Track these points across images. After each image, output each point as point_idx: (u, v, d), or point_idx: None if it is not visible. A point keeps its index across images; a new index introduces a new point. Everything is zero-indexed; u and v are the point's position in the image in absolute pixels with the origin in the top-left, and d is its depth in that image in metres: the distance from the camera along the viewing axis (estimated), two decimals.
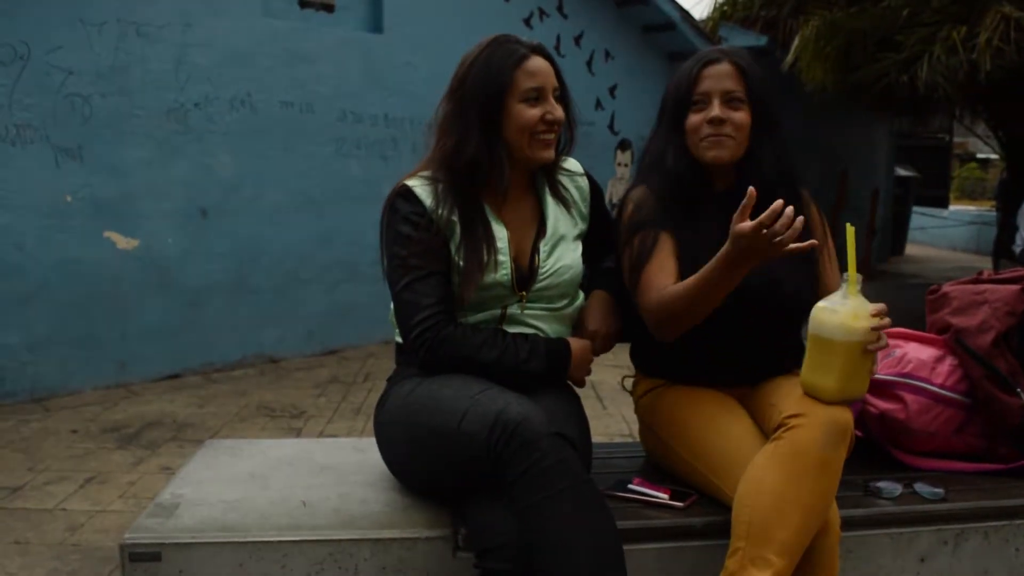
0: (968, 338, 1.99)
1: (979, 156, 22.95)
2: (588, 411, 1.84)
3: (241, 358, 5.21)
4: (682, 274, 1.73)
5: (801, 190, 1.83)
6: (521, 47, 1.71)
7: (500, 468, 1.47)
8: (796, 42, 7.22)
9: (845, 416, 1.56)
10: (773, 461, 1.54)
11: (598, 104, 7.23)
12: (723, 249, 1.52)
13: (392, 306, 1.77)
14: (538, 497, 1.43)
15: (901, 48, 6.59)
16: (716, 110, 1.73)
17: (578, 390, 1.85)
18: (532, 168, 1.80)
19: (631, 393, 1.99)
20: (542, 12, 6.67)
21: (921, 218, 14.47)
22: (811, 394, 1.58)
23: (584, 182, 1.90)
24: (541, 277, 1.76)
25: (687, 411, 1.79)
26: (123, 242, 4.68)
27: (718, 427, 1.72)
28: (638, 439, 2.02)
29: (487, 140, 1.69)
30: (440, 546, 1.62)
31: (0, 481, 3.28)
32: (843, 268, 1.58)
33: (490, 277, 1.71)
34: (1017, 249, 7.36)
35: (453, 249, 1.71)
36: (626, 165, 7.59)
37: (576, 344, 1.78)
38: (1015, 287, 2.02)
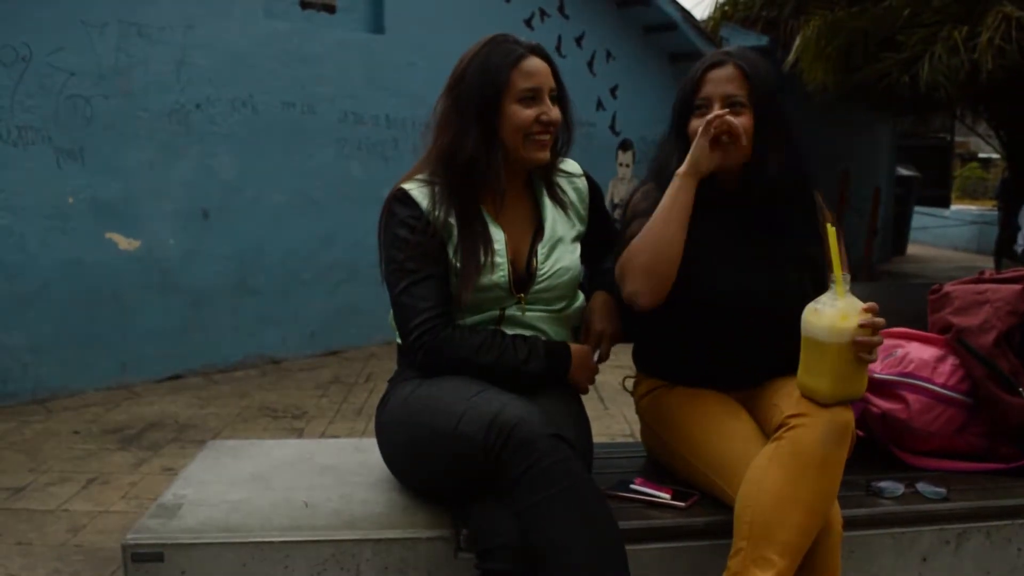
0: (970, 338, 1.99)
1: (980, 156, 22.93)
2: (589, 411, 1.84)
3: (243, 359, 5.21)
4: (686, 277, 1.73)
5: (814, 195, 1.81)
6: (519, 47, 1.71)
7: (499, 469, 1.47)
8: (797, 42, 7.22)
9: (846, 416, 1.56)
10: (774, 461, 1.54)
11: (599, 104, 7.23)
12: (675, 181, 1.65)
13: (392, 309, 1.77)
14: (538, 498, 1.43)
15: (902, 48, 6.59)
16: (716, 112, 1.70)
17: None
18: (528, 169, 1.79)
19: (632, 393, 1.99)
20: (543, 13, 6.68)
21: (923, 218, 14.46)
22: (807, 396, 1.57)
23: (583, 183, 1.90)
24: (539, 279, 1.76)
25: (688, 411, 1.78)
26: (125, 243, 4.68)
27: (720, 427, 1.72)
28: (639, 439, 2.01)
29: (483, 140, 1.69)
30: (441, 546, 1.62)
31: (2, 482, 3.28)
32: (829, 269, 1.57)
33: (488, 279, 1.71)
34: (1019, 248, 7.36)
35: (451, 251, 1.71)
36: (627, 165, 7.59)
37: (576, 348, 1.77)
38: (1017, 286, 2.02)
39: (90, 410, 4.27)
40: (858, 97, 7.74)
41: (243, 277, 5.21)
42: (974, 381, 1.97)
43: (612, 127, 7.40)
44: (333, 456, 2.03)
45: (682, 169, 1.67)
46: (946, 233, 14.81)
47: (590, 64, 7.12)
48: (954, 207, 16.77)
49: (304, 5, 5.43)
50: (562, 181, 1.87)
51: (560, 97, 1.76)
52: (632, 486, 1.77)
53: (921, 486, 1.83)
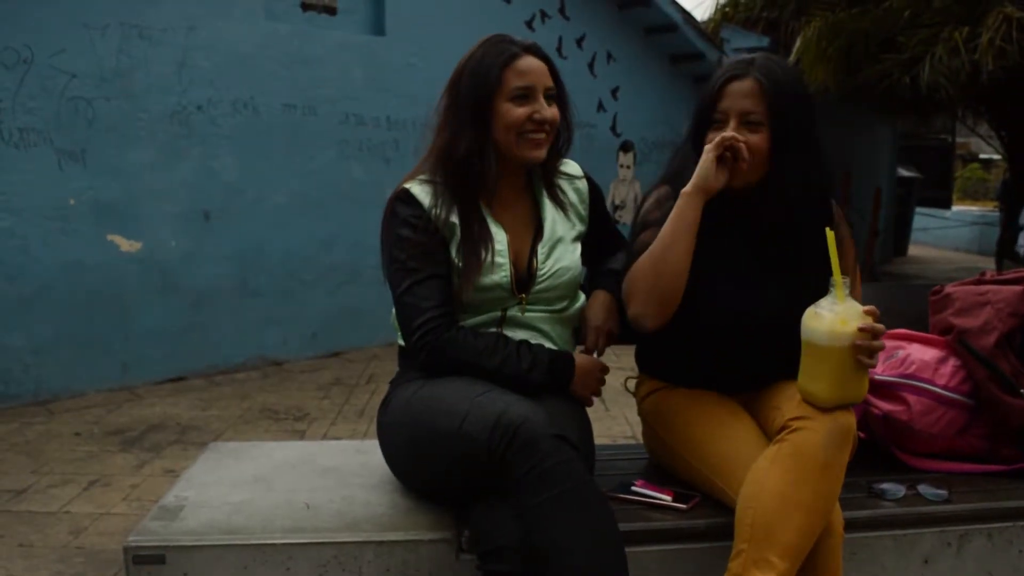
0: (971, 339, 1.99)
1: (982, 157, 22.92)
2: (591, 412, 1.84)
3: (244, 360, 5.22)
4: (694, 291, 1.72)
5: (833, 210, 1.76)
6: (513, 46, 1.71)
7: (502, 470, 1.47)
8: (798, 43, 7.22)
9: (848, 418, 1.56)
10: (776, 463, 1.53)
11: (600, 106, 7.23)
12: (686, 194, 1.65)
13: (394, 310, 1.78)
14: (540, 499, 1.44)
15: (903, 49, 6.59)
16: (729, 132, 1.67)
17: None
18: (524, 168, 1.79)
19: (634, 394, 1.99)
20: (544, 14, 6.68)
21: (924, 219, 14.46)
22: (807, 400, 1.57)
23: (583, 184, 1.90)
24: (540, 279, 1.76)
25: (690, 413, 1.78)
26: (126, 245, 4.69)
27: (721, 429, 1.72)
28: (641, 441, 2.02)
29: (477, 139, 1.70)
30: (443, 548, 1.62)
31: (4, 484, 3.29)
32: (829, 273, 1.56)
33: (489, 279, 1.71)
34: (1020, 250, 7.35)
35: (453, 251, 1.71)
36: (628, 167, 7.59)
37: (581, 359, 1.77)
38: (1018, 288, 2.02)
39: (92, 412, 4.28)
40: (859, 98, 7.74)
41: (244, 278, 5.21)
42: (975, 383, 1.97)
43: (613, 128, 7.40)
44: (335, 458, 2.03)
45: (688, 187, 1.66)
46: (947, 234, 14.81)
47: (591, 65, 7.12)
48: (955, 208, 16.78)
49: (305, 7, 5.43)
50: (562, 182, 1.87)
51: (559, 97, 1.76)
52: (633, 488, 1.77)
53: (922, 488, 1.83)
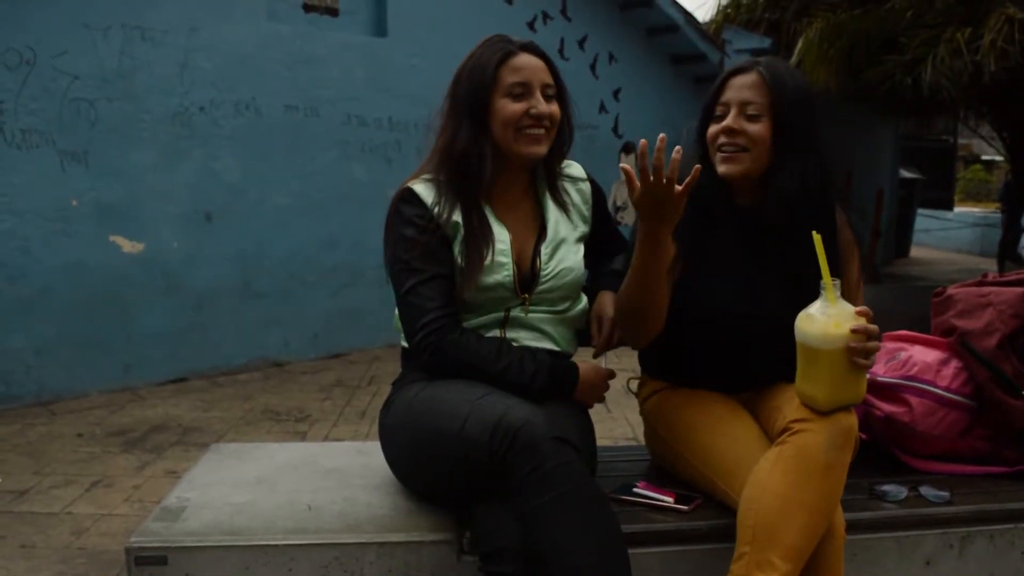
0: (973, 340, 1.98)
1: (983, 158, 22.91)
2: (592, 414, 1.84)
3: (246, 362, 5.22)
4: (692, 291, 1.73)
5: (836, 210, 1.77)
6: (509, 45, 1.73)
7: (503, 472, 1.47)
8: (800, 44, 7.23)
9: (850, 420, 1.56)
10: (778, 465, 1.53)
11: (602, 107, 7.24)
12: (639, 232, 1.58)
13: (397, 310, 1.78)
14: (541, 501, 1.43)
15: (905, 50, 6.59)
16: (730, 120, 1.70)
17: None
18: (526, 166, 1.79)
19: (636, 395, 1.99)
20: (546, 15, 6.68)
21: (925, 220, 14.46)
22: (805, 403, 1.57)
23: (586, 185, 1.90)
24: (543, 279, 1.77)
25: (692, 414, 1.78)
26: (128, 246, 4.69)
27: (723, 430, 1.72)
28: (643, 442, 2.01)
29: (474, 136, 1.71)
30: (445, 550, 1.62)
31: (6, 485, 3.29)
32: (832, 270, 1.56)
33: (492, 279, 1.71)
34: (1022, 251, 7.34)
35: (456, 250, 1.71)
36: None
37: (586, 369, 1.76)
38: (1020, 289, 2.02)
39: (94, 413, 4.28)
40: (861, 99, 7.74)
41: (246, 280, 5.21)
42: (977, 384, 1.97)
43: (615, 130, 7.40)
44: (337, 459, 2.03)
45: (641, 234, 1.57)
46: (949, 235, 14.80)
47: (593, 67, 7.12)
48: (957, 209, 16.77)
49: (307, 8, 5.44)
50: (565, 183, 1.87)
51: (559, 95, 1.76)
52: (635, 489, 1.77)
53: (924, 489, 1.83)
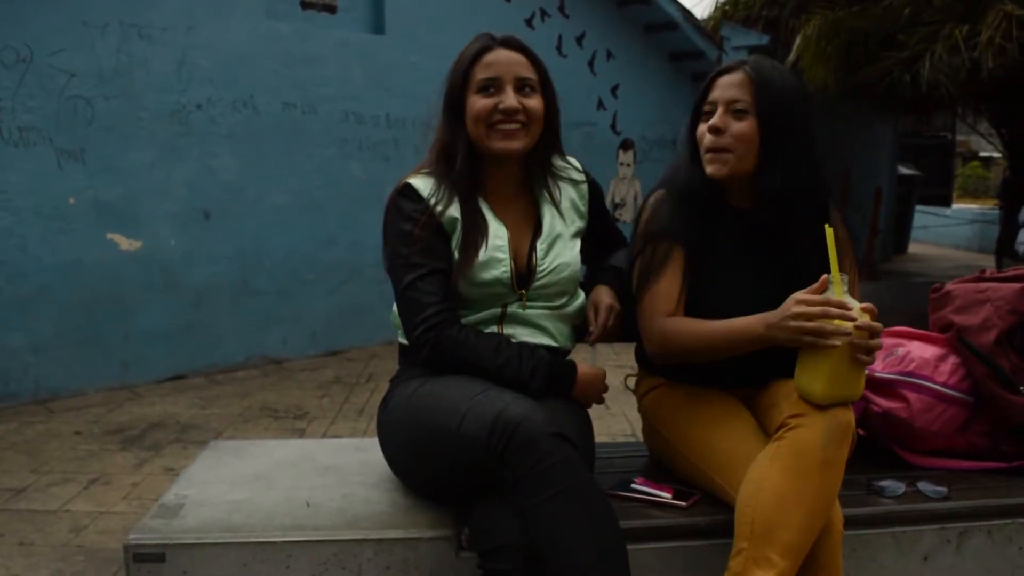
0: (971, 336, 1.99)
1: (982, 154, 22.92)
2: (591, 411, 1.84)
3: (244, 359, 5.22)
4: (689, 293, 1.73)
5: (830, 210, 1.75)
6: (489, 41, 1.74)
7: (501, 469, 1.47)
8: (798, 41, 7.22)
9: (847, 415, 1.56)
10: (776, 461, 1.53)
11: (600, 104, 7.23)
12: (754, 327, 1.58)
13: (395, 307, 1.78)
14: (540, 497, 1.43)
15: (903, 47, 6.59)
16: (716, 118, 1.70)
17: None
18: (507, 161, 1.77)
19: (634, 392, 1.99)
20: (543, 12, 6.68)
21: (924, 217, 14.45)
22: (804, 398, 1.57)
23: (583, 181, 1.90)
24: (540, 275, 1.77)
25: (690, 410, 1.79)
26: (126, 243, 4.69)
27: (721, 426, 1.72)
28: (641, 439, 2.02)
29: (452, 133, 1.74)
30: (443, 546, 1.63)
31: (4, 483, 3.29)
32: (826, 270, 1.56)
33: (490, 274, 1.71)
34: (1020, 247, 7.35)
35: (454, 244, 1.72)
36: (628, 165, 7.59)
37: (584, 369, 1.76)
38: (1017, 285, 2.02)
39: (92, 410, 4.28)
40: (859, 96, 7.74)
41: (244, 277, 5.21)
42: (975, 380, 1.97)
43: (613, 127, 7.40)
44: (335, 456, 2.03)
45: (763, 329, 1.57)
46: (947, 232, 14.80)
47: (591, 64, 7.12)
48: (955, 206, 16.76)
49: (305, 5, 5.43)
50: (562, 179, 1.87)
51: (544, 91, 1.75)
52: (633, 485, 1.77)
53: (922, 485, 1.83)
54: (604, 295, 1.84)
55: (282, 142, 5.27)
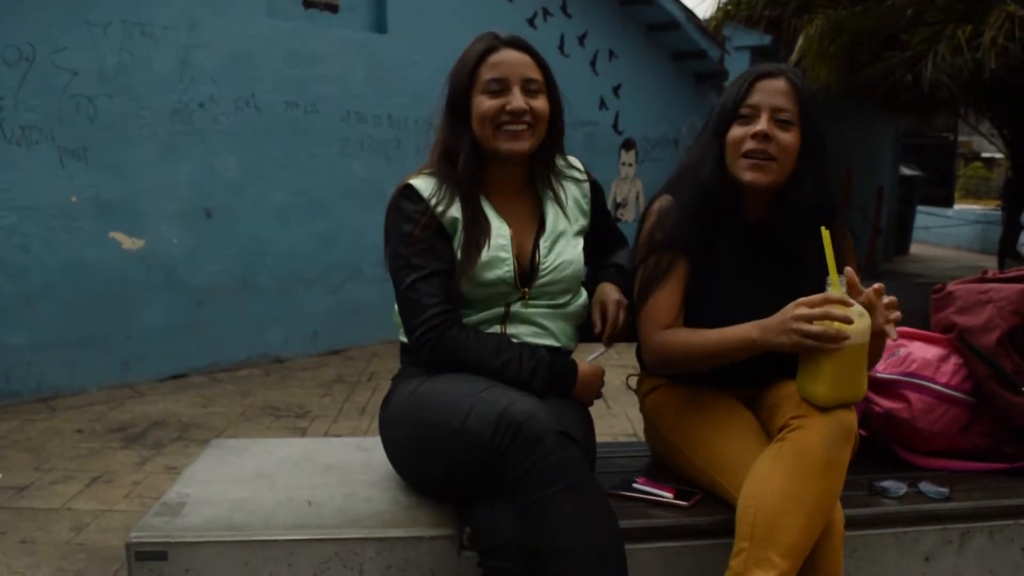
0: (973, 337, 1.98)
1: (984, 155, 22.90)
2: (592, 410, 1.84)
3: (246, 358, 5.22)
4: (693, 303, 1.73)
5: (836, 219, 1.74)
6: (494, 41, 1.73)
7: (503, 466, 1.47)
8: (800, 41, 7.23)
9: (849, 417, 1.56)
10: (777, 462, 1.53)
11: (602, 104, 7.23)
12: (747, 333, 1.57)
13: (396, 306, 1.78)
14: (541, 495, 1.44)
15: (906, 47, 6.59)
16: (763, 124, 1.64)
17: None
18: (514, 161, 1.77)
19: (636, 392, 1.99)
20: (546, 12, 6.68)
21: (926, 217, 14.45)
22: (806, 400, 1.57)
23: (584, 180, 1.90)
24: (543, 273, 1.77)
25: (692, 410, 1.79)
26: (128, 242, 4.69)
27: (723, 426, 1.72)
28: (643, 439, 2.02)
29: (457, 133, 1.73)
30: (445, 545, 1.63)
31: (6, 481, 3.29)
32: (825, 272, 1.56)
33: (493, 274, 1.71)
34: (1022, 248, 7.34)
35: (456, 244, 1.71)
36: (630, 165, 7.59)
37: (585, 368, 1.76)
38: (1020, 286, 2.02)
39: (94, 409, 4.28)
40: (861, 96, 7.74)
41: (246, 276, 5.21)
42: (977, 381, 1.97)
43: (615, 126, 7.40)
44: (336, 455, 2.03)
45: (757, 334, 1.55)
46: (949, 232, 14.79)
47: (593, 63, 7.12)
48: (957, 206, 16.74)
49: (307, 4, 5.43)
50: (564, 177, 1.87)
51: (549, 91, 1.75)
52: (635, 485, 1.77)
53: (924, 486, 1.83)
54: (611, 292, 1.84)
55: (284, 141, 5.28)
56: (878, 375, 1.99)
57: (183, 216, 4.90)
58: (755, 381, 1.81)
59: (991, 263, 9.67)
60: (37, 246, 4.35)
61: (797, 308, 1.51)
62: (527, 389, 1.63)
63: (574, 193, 1.87)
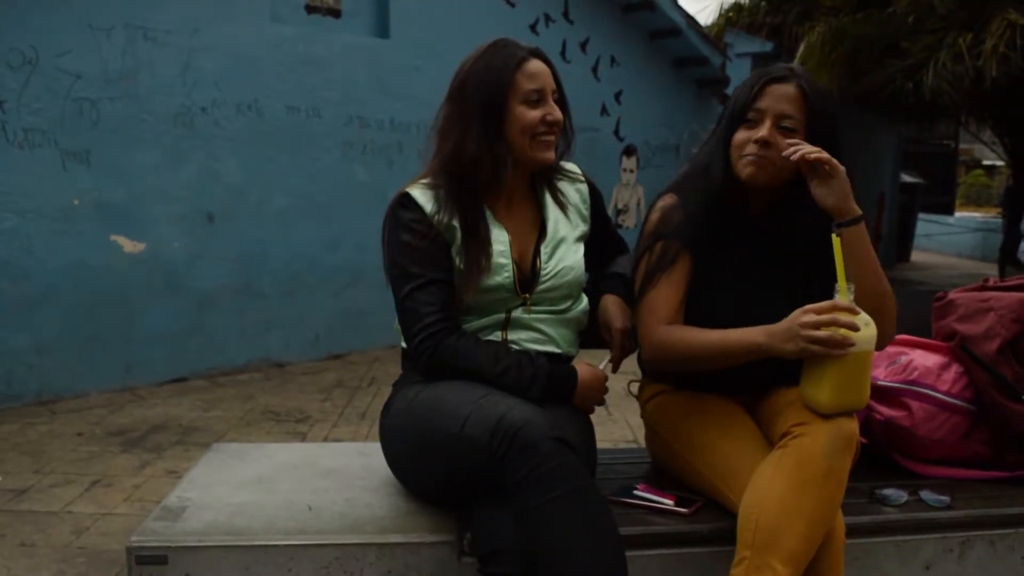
0: (974, 345, 1.98)
1: (985, 163, 22.93)
2: (593, 417, 1.84)
3: (247, 362, 5.22)
4: (694, 300, 1.73)
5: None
6: (520, 50, 1.72)
7: (502, 472, 1.47)
8: (802, 48, 7.24)
9: (851, 425, 1.56)
10: (779, 470, 1.53)
11: (603, 110, 7.24)
12: (753, 338, 1.56)
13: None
14: (539, 501, 1.44)
15: (907, 54, 6.61)
16: (764, 131, 1.64)
17: None
18: (533, 170, 1.80)
19: (637, 398, 1.99)
20: (548, 18, 6.69)
21: (927, 225, 14.46)
22: (808, 406, 1.57)
23: (584, 185, 1.91)
24: (543, 279, 1.77)
25: (693, 416, 1.78)
26: (130, 246, 4.70)
27: (724, 433, 1.72)
28: (643, 445, 2.02)
29: (488, 142, 1.70)
30: (444, 551, 1.63)
31: (6, 484, 3.29)
32: (834, 279, 1.55)
33: (493, 281, 1.71)
34: (1023, 256, 7.34)
35: (454, 254, 1.72)
36: (631, 171, 7.59)
37: (584, 373, 1.76)
38: (1021, 294, 2.02)
39: (94, 412, 4.28)
40: (862, 103, 7.75)
41: (248, 280, 5.22)
42: (978, 389, 1.97)
43: (616, 132, 7.41)
44: (337, 460, 2.03)
45: (764, 339, 1.55)
46: (950, 240, 14.80)
47: (594, 69, 7.13)
48: (958, 214, 16.77)
49: (310, 9, 5.45)
50: (564, 182, 1.88)
51: (561, 99, 1.77)
52: (635, 492, 1.77)
53: (925, 494, 1.83)
54: (615, 317, 1.83)
55: (286, 145, 5.29)
56: (879, 383, 1.99)
57: (185, 220, 4.90)
58: (756, 387, 1.81)
59: (992, 271, 9.67)
60: (39, 249, 4.35)
61: (804, 315, 1.51)
62: (525, 397, 1.63)
63: (575, 199, 1.88)
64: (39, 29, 4.27)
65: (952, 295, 2.13)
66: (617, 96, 7.33)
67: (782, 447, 1.56)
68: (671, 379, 1.87)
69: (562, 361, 1.81)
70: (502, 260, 1.73)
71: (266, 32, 5.14)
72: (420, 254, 1.69)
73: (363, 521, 1.69)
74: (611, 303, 1.86)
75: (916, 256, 14.00)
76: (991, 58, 5.97)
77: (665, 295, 1.71)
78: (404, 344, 1.78)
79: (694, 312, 1.73)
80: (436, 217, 1.70)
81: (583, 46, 6.98)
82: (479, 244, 1.71)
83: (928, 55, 6.43)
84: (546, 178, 1.85)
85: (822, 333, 1.48)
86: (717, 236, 1.73)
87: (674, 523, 1.68)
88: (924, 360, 2.02)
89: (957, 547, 1.78)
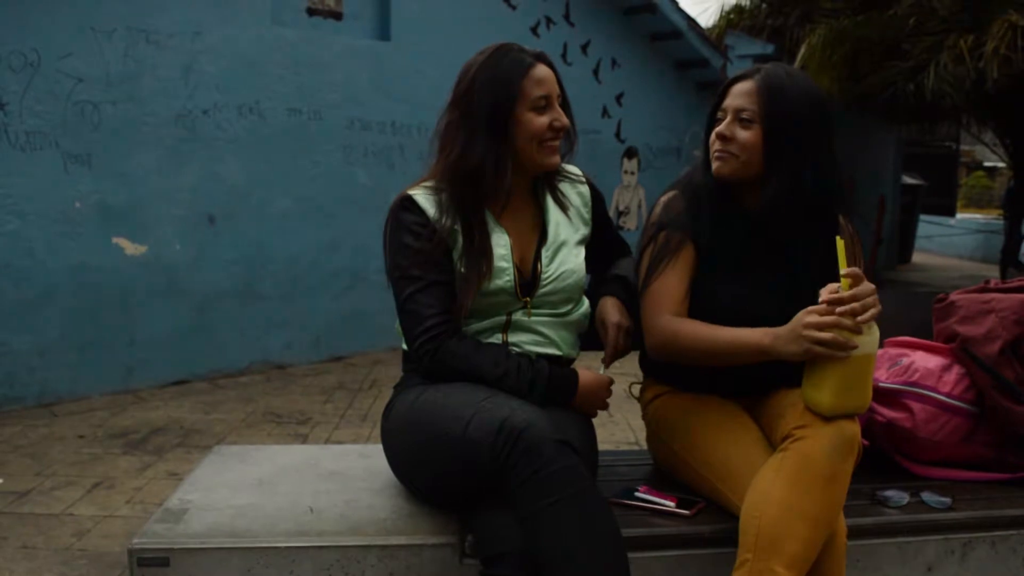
0: (975, 347, 1.98)
1: (986, 164, 22.91)
2: (594, 418, 1.84)
3: (248, 364, 5.23)
4: (696, 289, 1.74)
5: (839, 218, 1.77)
6: (526, 56, 1.72)
7: (504, 474, 1.47)
8: (803, 50, 7.24)
9: (852, 427, 1.56)
10: (780, 472, 1.53)
11: (605, 112, 7.24)
12: (758, 338, 1.57)
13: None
14: (542, 504, 1.44)
15: (908, 56, 6.61)
16: (723, 125, 1.72)
17: None
18: (537, 174, 1.81)
19: (638, 400, 1.99)
20: (549, 20, 6.69)
21: (928, 226, 14.45)
22: (810, 408, 1.57)
23: (585, 188, 1.91)
24: (544, 282, 1.77)
25: (695, 418, 1.79)
26: (131, 248, 4.70)
27: (726, 434, 1.72)
28: (645, 447, 2.02)
29: (494, 148, 1.69)
30: (446, 553, 1.63)
31: (8, 486, 3.29)
32: (832, 278, 1.56)
33: (494, 284, 1.72)
34: (1023, 257, 7.34)
35: (456, 257, 1.72)
36: (632, 173, 7.59)
37: (587, 378, 1.76)
38: (1022, 296, 2.02)
39: (96, 414, 4.28)
40: (863, 105, 7.75)
41: (249, 283, 5.22)
42: (980, 390, 1.97)
43: (617, 135, 7.41)
44: (338, 462, 2.03)
45: (769, 341, 1.57)
46: (951, 242, 14.79)
47: (596, 72, 7.13)
48: (959, 216, 16.75)
49: (311, 12, 5.45)
50: (565, 185, 1.88)
51: (564, 103, 1.78)
52: (637, 494, 1.77)
53: (926, 495, 1.83)
54: (611, 312, 1.83)
55: (287, 148, 5.29)
56: (880, 384, 1.99)
57: (186, 222, 4.91)
58: (758, 389, 1.81)
59: (993, 272, 9.67)
60: (40, 251, 4.36)
61: (808, 316, 1.51)
62: (526, 400, 1.63)
63: (576, 202, 1.88)
64: (41, 31, 4.27)
65: (953, 297, 2.13)
66: (618, 98, 7.33)
67: (784, 450, 1.56)
68: (673, 381, 1.87)
69: (563, 363, 1.81)
70: (503, 264, 1.73)
71: (267, 35, 5.14)
72: (421, 256, 1.69)
73: (364, 523, 1.69)
74: (609, 303, 1.86)
75: (917, 258, 14.00)
76: (992, 60, 5.97)
77: (670, 285, 1.73)
78: (405, 346, 1.79)
79: (694, 303, 1.74)
80: (439, 221, 1.70)
81: (584, 48, 6.98)
82: (480, 248, 1.71)
83: (929, 57, 6.44)
84: (548, 180, 1.85)
85: (826, 335, 1.49)
86: (715, 228, 1.75)
87: (676, 525, 1.68)
88: (925, 362, 2.02)
89: (959, 549, 1.78)
